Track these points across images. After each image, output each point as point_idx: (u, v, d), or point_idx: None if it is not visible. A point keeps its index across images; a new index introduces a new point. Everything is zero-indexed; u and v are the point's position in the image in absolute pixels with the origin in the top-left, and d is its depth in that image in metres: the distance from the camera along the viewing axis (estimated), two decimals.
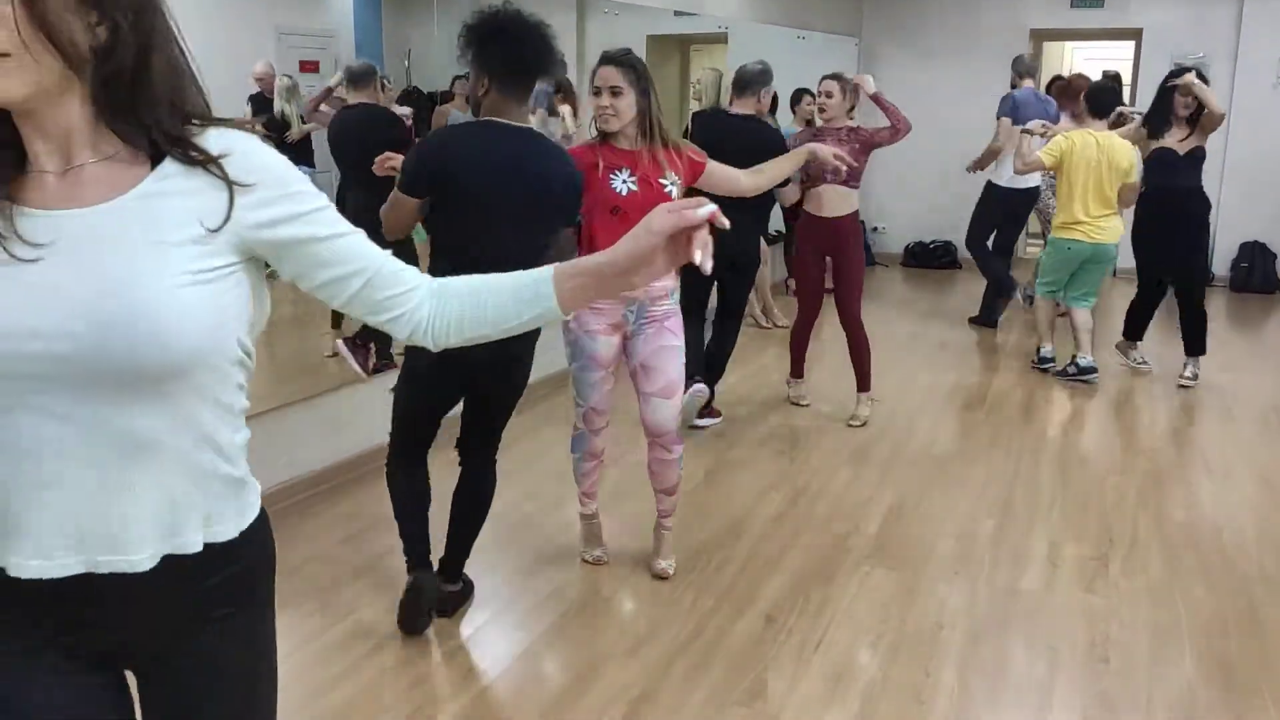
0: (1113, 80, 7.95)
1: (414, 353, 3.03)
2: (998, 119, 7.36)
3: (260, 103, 5.01)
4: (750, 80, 4.95)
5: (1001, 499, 4.30)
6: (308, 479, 4.25)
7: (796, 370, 5.56)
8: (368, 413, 4.59)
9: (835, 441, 4.99)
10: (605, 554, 3.66)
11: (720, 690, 2.90)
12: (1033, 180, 7.38)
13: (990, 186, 7.46)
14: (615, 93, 3.15)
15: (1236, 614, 3.37)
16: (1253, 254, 8.94)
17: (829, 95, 5.16)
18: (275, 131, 4.77)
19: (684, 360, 3.43)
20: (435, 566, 3.20)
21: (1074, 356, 6.03)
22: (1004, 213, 7.42)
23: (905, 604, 3.40)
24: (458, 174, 2.83)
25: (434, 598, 3.16)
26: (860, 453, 4.84)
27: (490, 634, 3.23)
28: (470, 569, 3.35)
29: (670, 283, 3.34)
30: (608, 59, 3.18)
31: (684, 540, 3.74)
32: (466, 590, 3.35)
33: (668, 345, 3.36)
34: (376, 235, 4.24)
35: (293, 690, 2.92)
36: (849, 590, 3.49)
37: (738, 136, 4.73)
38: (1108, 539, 3.93)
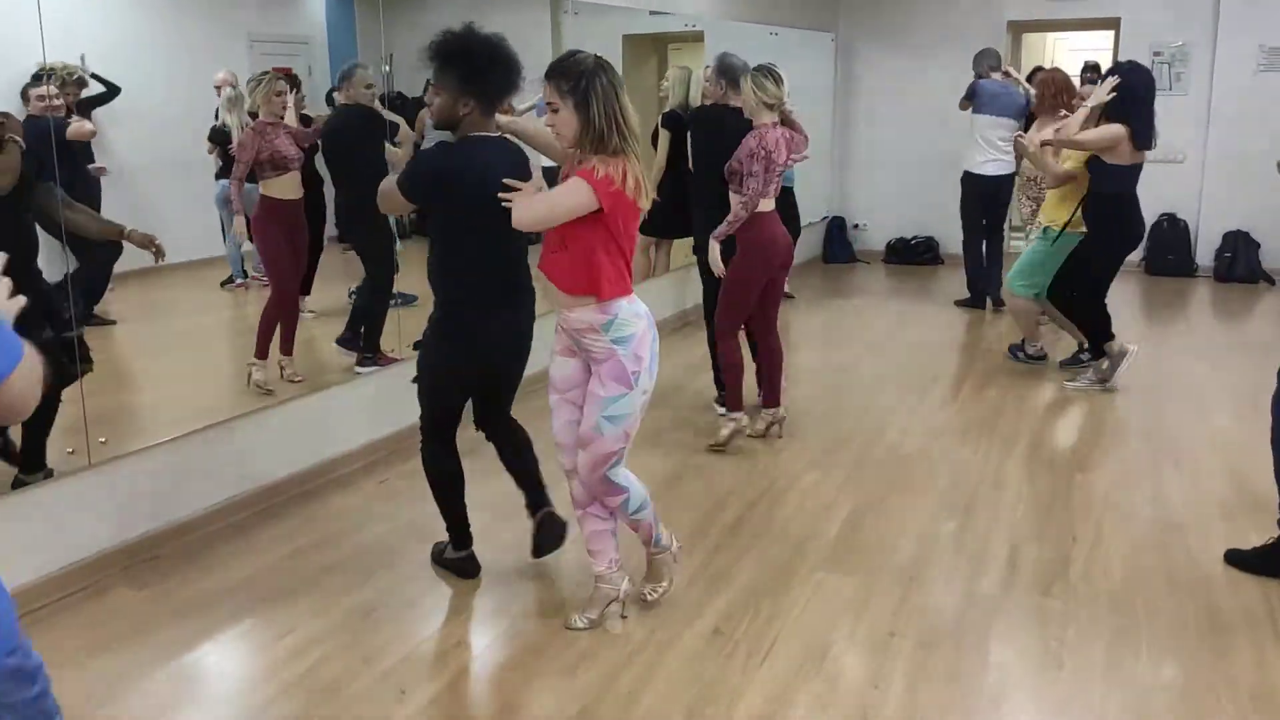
0: (1092, 71, 7.88)
1: (436, 340, 3.31)
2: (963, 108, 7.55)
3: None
4: (741, 71, 4.84)
5: (965, 500, 4.22)
6: (256, 493, 4.17)
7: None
8: (319, 427, 4.53)
9: (804, 443, 4.91)
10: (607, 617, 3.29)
11: (660, 705, 2.82)
12: (1007, 167, 7.34)
13: (966, 175, 7.53)
14: (552, 108, 2.94)
15: (1196, 614, 3.29)
16: (1236, 243, 8.85)
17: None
18: (218, 143, 4.70)
19: (610, 414, 3.00)
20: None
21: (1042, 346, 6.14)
22: (982, 195, 7.50)
23: (858, 612, 3.32)
24: (461, 188, 3.10)
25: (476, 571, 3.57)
26: (828, 454, 4.76)
27: (430, 649, 3.16)
28: (421, 578, 3.27)
29: (599, 317, 2.95)
30: (547, 71, 2.95)
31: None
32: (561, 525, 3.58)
33: (592, 393, 3.03)
34: (368, 233, 4.27)
35: (243, 699, 2.85)
36: (802, 599, 3.41)
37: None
38: (1070, 539, 3.85)
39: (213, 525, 3.97)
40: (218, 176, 4.93)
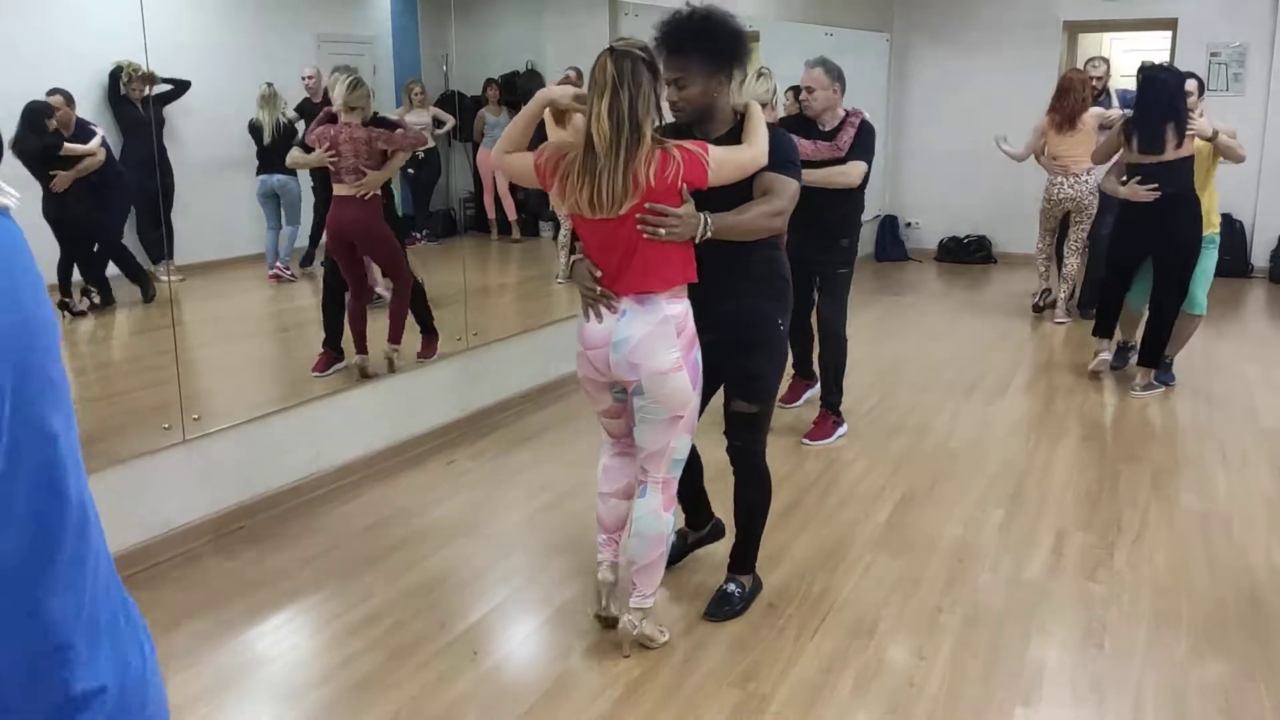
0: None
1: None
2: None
3: (305, 107, 5.21)
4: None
5: (1012, 489, 4.34)
6: (331, 472, 4.40)
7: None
8: (389, 412, 4.75)
9: (855, 434, 5.05)
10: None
11: (717, 672, 2.99)
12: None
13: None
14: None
15: (1238, 602, 3.39)
16: None
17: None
18: (255, 139, 4.92)
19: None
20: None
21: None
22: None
23: (907, 591, 3.47)
24: None
25: None
26: (876, 446, 4.89)
27: (500, 618, 3.35)
28: (490, 550, 3.46)
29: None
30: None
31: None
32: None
33: None
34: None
35: (311, 667, 3.06)
36: (852, 578, 3.56)
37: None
38: (1116, 528, 3.96)
39: (293, 501, 4.20)
40: (258, 172, 5.12)
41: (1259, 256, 9.09)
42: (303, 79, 5.16)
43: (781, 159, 2.99)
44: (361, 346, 4.86)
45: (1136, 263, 5.69)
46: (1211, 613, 3.32)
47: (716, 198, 2.89)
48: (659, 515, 3.00)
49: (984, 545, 3.82)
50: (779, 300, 3.20)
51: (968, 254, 9.96)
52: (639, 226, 2.79)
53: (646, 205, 2.77)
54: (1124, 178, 5.52)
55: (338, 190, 4.78)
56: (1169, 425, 5.30)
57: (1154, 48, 10.14)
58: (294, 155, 4.91)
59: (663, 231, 2.78)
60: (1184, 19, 9.06)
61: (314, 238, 5.48)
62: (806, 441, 4.90)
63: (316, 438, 4.35)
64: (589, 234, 2.91)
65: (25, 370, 0.82)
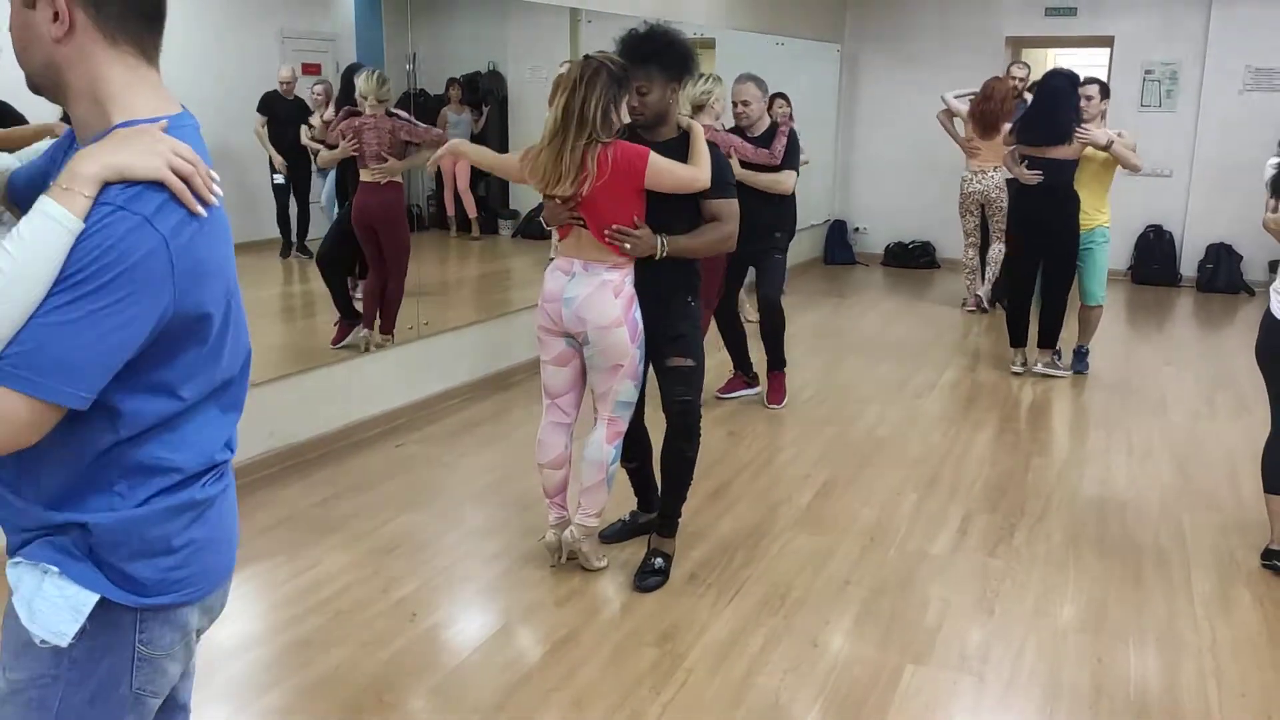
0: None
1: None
2: None
3: (274, 100, 5.45)
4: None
5: (929, 476, 4.63)
6: (284, 451, 4.61)
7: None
8: (341, 396, 4.96)
9: (785, 425, 5.33)
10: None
11: (637, 632, 3.24)
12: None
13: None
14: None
15: (1121, 577, 3.69)
16: (1218, 255, 9.22)
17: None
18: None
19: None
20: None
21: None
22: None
23: (819, 565, 3.73)
24: None
25: None
26: (808, 435, 5.17)
27: (439, 585, 3.58)
28: (437, 524, 3.69)
29: None
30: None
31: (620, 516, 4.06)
32: None
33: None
34: None
35: (256, 626, 3.28)
36: (770, 553, 3.82)
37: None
38: (1020, 511, 4.26)
39: (248, 477, 4.40)
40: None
41: (1188, 266, 9.48)
42: (280, 83, 5.41)
43: (722, 182, 3.46)
44: (370, 322, 5.30)
45: (1033, 268, 6.25)
46: (1094, 586, 3.61)
47: (665, 211, 3.37)
48: (601, 446, 3.50)
49: (896, 525, 4.10)
50: (690, 281, 3.59)
51: (912, 258, 10.29)
52: (608, 239, 3.32)
53: (611, 228, 3.31)
54: (1023, 163, 6.07)
55: (364, 177, 5.23)
56: (1081, 419, 5.62)
57: (1094, 64, 10.53)
58: (324, 155, 5.40)
59: (627, 246, 3.33)
60: (1120, 37, 9.44)
61: (283, 229, 5.70)
62: (747, 392, 5.69)
63: (271, 418, 4.55)
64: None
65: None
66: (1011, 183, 6.56)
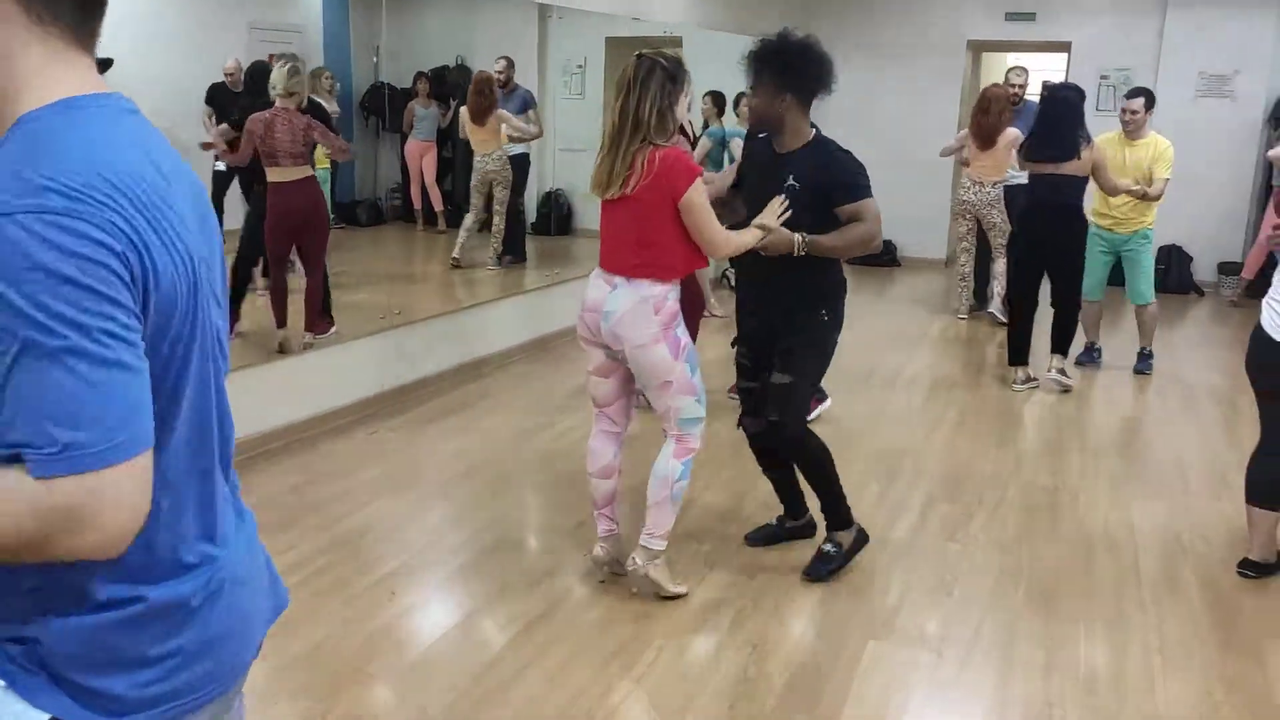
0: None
1: (834, 329, 3.59)
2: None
3: (219, 93, 5.44)
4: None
5: (890, 467, 4.77)
6: (256, 438, 4.67)
7: None
8: (313, 383, 5.03)
9: None
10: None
11: (609, 613, 3.35)
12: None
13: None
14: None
15: (1072, 563, 3.85)
16: (1170, 257, 9.48)
17: None
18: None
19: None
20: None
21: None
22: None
23: (784, 549, 3.86)
24: None
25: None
26: None
27: (417, 566, 3.67)
28: (412, 507, 3.77)
29: None
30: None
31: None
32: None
33: None
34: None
35: None
36: (735, 542, 3.94)
37: None
38: (978, 500, 4.41)
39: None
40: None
41: None
42: (225, 75, 5.38)
43: (854, 183, 3.46)
44: (283, 321, 5.16)
45: (1034, 289, 6.14)
46: (1047, 570, 3.77)
47: (794, 211, 3.34)
48: (668, 460, 3.36)
49: (860, 512, 4.20)
50: (824, 295, 3.55)
51: (874, 257, 10.46)
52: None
53: (755, 222, 3.29)
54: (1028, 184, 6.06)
55: (274, 176, 5.00)
56: (1042, 415, 5.79)
57: (1051, 68, 10.78)
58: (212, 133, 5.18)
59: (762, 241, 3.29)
60: (1077, 43, 9.68)
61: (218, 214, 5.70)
62: None
63: (238, 405, 4.60)
64: (603, 213, 3.30)
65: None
66: (1015, 198, 6.47)
